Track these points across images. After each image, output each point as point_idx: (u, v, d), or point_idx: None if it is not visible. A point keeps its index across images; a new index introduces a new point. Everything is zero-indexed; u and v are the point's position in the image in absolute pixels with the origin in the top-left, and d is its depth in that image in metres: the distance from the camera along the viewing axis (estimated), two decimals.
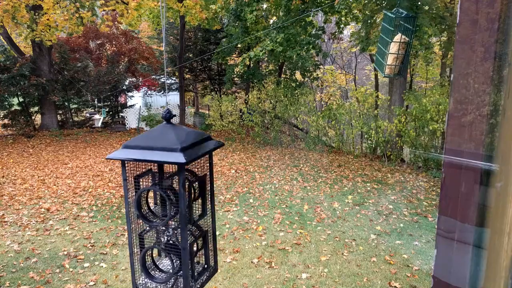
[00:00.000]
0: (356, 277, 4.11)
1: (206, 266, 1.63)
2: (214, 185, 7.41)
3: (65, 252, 4.68)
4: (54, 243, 4.99)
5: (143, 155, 1.36)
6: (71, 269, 4.26)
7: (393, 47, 3.36)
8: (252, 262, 4.45)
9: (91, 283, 3.95)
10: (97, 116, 15.45)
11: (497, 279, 0.70)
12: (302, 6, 11.60)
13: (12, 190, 7.41)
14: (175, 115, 1.56)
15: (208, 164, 1.60)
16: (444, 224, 0.80)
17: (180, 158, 1.30)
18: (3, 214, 6.04)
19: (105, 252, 4.70)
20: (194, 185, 1.53)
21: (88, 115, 17.59)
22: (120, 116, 17.13)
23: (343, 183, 7.94)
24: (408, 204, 6.61)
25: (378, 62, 3.74)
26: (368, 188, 7.52)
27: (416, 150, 9.59)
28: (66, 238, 5.14)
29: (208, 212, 1.60)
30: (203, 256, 1.62)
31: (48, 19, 11.03)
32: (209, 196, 1.60)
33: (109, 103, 16.63)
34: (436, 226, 0.83)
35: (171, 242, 1.47)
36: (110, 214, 6.13)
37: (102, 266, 4.34)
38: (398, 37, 3.35)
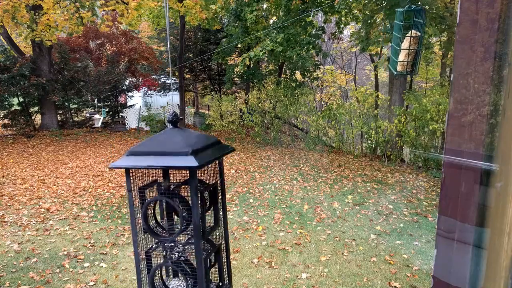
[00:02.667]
0: (356, 277, 4.10)
1: (220, 284, 1.51)
2: None
3: (65, 252, 4.68)
4: (54, 243, 4.98)
5: (152, 161, 1.24)
6: (71, 269, 4.26)
7: (405, 43, 3.37)
8: (252, 262, 4.45)
9: (91, 283, 3.95)
10: (97, 116, 15.47)
11: (497, 279, 0.70)
12: (302, 6, 11.60)
13: (12, 190, 7.41)
14: (181, 118, 1.44)
15: (218, 172, 1.47)
16: (444, 224, 0.80)
17: (191, 162, 1.19)
18: (3, 214, 6.04)
19: (105, 252, 4.70)
20: (204, 194, 1.41)
21: (88, 115, 17.60)
22: (120, 116, 17.14)
23: (343, 183, 7.94)
24: (408, 204, 6.60)
25: (392, 61, 3.73)
26: (368, 188, 7.52)
27: (416, 150, 9.59)
28: (66, 238, 5.14)
29: (220, 224, 1.47)
30: (217, 273, 1.50)
31: (48, 19, 11.03)
32: (221, 206, 1.47)
33: (109, 103, 16.64)
34: (436, 226, 0.83)
35: (182, 258, 1.33)
36: (110, 214, 6.13)
37: (102, 266, 4.34)
38: (409, 32, 3.35)
